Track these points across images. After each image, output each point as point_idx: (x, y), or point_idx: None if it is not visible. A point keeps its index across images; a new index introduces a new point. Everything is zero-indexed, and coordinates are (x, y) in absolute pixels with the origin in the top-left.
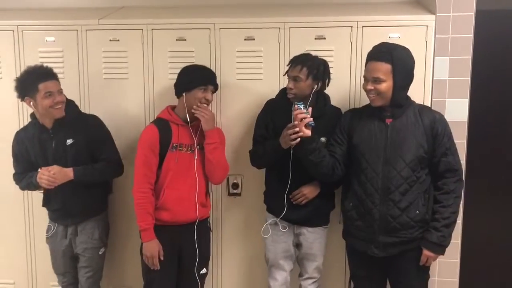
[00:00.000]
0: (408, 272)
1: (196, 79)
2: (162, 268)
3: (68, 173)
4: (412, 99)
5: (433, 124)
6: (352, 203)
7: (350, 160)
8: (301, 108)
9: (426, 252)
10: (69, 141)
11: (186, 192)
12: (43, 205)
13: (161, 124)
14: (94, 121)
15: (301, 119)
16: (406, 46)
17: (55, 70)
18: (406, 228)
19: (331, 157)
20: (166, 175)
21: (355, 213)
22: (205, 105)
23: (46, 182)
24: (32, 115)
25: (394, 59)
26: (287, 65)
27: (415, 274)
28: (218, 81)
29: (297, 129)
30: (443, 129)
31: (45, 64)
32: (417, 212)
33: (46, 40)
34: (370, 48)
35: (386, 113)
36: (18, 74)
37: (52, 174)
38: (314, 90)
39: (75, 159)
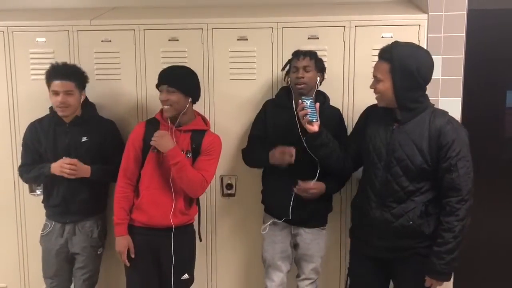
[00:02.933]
0: (408, 279)
1: (158, 80)
2: (140, 271)
3: (87, 170)
4: None
5: (440, 134)
6: (358, 200)
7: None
8: (306, 103)
9: (429, 280)
10: (84, 139)
11: (163, 196)
12: (42, 201)
13: (152, 123)
14: (111, 125)
15: (304, 116)
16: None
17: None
18: (399, 237)
19: (343, 151)
20: (145, 175)
21: (357, 211)
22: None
23: (68, 171)
24: (51, 109)
25: (393, 58)
26: (290, 58)
27: (414, 281)
28: (211, 81)
29: (293, 152)
30: (450, 142)
31: (69, 63)
32: (410, 223)
33: (37, 41)
34: (363, 48)
35: (395, 116)
36: (8, 76)
37: (74, 166)
38: (317, 82)
39: (86, 156)
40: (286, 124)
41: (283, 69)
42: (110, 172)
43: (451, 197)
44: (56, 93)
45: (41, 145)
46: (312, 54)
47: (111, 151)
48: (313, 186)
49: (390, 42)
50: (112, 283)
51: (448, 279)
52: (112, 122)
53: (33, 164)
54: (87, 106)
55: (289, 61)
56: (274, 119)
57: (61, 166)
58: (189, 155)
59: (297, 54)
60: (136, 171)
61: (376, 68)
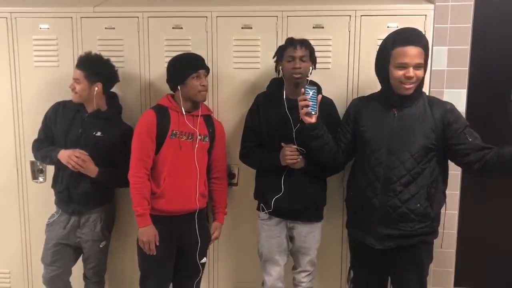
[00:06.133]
0: (407, 269)
1: (185, 68)
2: (159, 259)
3: (93, 170)
4: None
5: (444, 114)
6: (353, 191)
7: (355, 149)
8: (309, 94)
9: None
10: (98, 133)
11: (186, 181)
12: (52, 186)
13: (160, 110)
14: (128, 131)
15: (303, 107)
16: None
17: (49, 58)
18: (406, 221)
19: (335, 145)
20: (165, 162)
21: (356, 201)
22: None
23: (73, 164)
24: None
25: (424, 42)
26: (282, 45)
27: (414, 271)
28: (214, 70)
29: (295, 156)
30: (455, 118)
31: (95, 52)
32: (418, 205)
33: (40, 28)
34: (369, 37)
35: (394, 102)
36: (11, 63)
37: (82, 162)
38: (310, 70)
39: (94, 151)
40: (279, 117)
41: (274, 56)
42: (117, 178)
43: (487, 149)
44: (74, 80)
45: (56, 126)
46: (307, 44)
47: (121, 156)
48: (294, 151)
49: (408, 28)
50: (115, 269)
51: None
52: (131, 128)
53: (45, 140)
54: (114, 106)
55: (281, 49)
56: (267, 113)
57: (69, 157)
58: (206, 139)
59: (293, 43)
60: (152, 159)
61: (418, 54)
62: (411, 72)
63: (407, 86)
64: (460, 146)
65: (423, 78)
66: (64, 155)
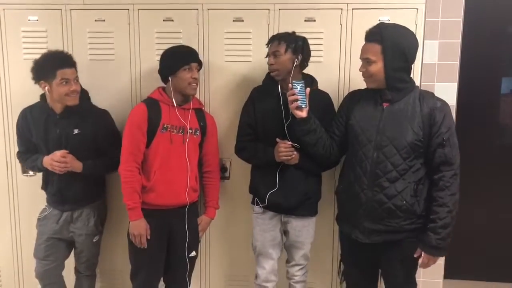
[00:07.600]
0: (394, 263)
1: (177, 60)
2: (150, 253)
3: (78, 166)
4: None
5: (432, 111)
6: (342, 185)
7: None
8: (297, 88)
9: (426, 256)
10: (75, 131)
11: (177, 175)
12: (42, 188)
13: (151, 104)
14: (104, 116)
15: (293, 101)
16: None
17: (38, 51)
18: (392, 217)
19: (329, 138)
20: (156, 156)
21: (344, 196)
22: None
23: (58, 169)
24: (42, 97)
25: (384, 39)
26: (266, 45)
27: (401, 265)
28: (206, 63)
29: (290, 151)
30: (442, 118)
31: (65, 51)
32: (404, 202)
33: (29, 20)
34: (360, 31)
35: (384, 97)
36: (0, 55)
37: (65, 163)
38: (295, 64)
39: (79, 149)
40: (274, 110)
41: (266, 56)
42: (105, 166)
43: (444, 171)
44: (67, 81)
45: (32, 135)
46: (281, 38)
47: (105, 143)
48: (289, 147)
49: (376, 24)
50: (107, 263)
51: (444, 254)
52: (106, 112)
53: (28, 151)
54: (81, 96)
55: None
56: (262, 107)
57: (51, 164)
58: (198, 133)
59: (269, 41)
60: (143, 153)
61: (366, 50)
62: (361, 66)
63: (364, 80)
64: (430, 149)
65: (385, 75)
66: (47, 162)
